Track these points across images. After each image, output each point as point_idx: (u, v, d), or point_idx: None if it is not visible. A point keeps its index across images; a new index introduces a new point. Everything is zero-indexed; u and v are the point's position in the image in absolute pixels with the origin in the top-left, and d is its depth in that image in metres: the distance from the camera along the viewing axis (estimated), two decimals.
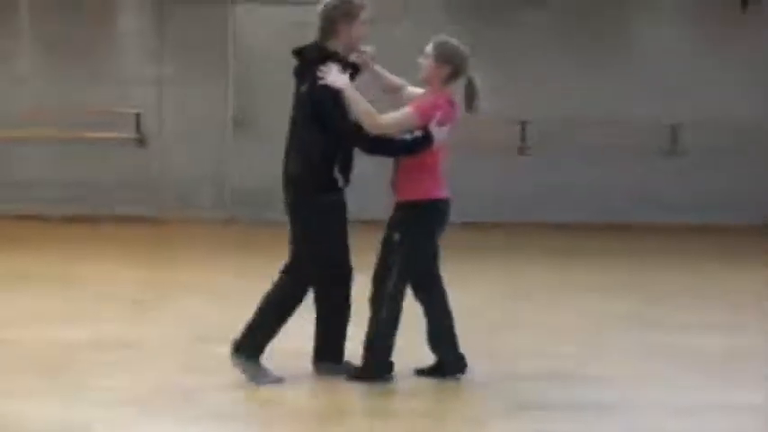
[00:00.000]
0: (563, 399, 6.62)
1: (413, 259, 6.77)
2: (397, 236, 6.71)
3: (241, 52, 15.49)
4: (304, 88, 6.66)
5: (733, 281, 11.58)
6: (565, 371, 7.28)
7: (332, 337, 6.96)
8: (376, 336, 6.73)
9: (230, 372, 6.76)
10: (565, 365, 7.43)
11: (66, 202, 15.27)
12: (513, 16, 15.95)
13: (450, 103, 6.76)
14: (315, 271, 6.76)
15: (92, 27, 15.48)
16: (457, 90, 6.90)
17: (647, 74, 16.17)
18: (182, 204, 15.56)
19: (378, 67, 7.12)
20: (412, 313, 6.99)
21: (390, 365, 6.83)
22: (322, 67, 6.52)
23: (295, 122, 6.75)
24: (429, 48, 6.78)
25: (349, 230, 6.91)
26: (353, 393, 6.66)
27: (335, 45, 6.70)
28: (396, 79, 7.20)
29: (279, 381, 6.71)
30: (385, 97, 7.15)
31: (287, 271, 6.77)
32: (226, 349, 6.77)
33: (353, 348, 6.90)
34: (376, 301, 6.74)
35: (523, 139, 16.05)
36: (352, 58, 6.79)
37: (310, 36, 6.82)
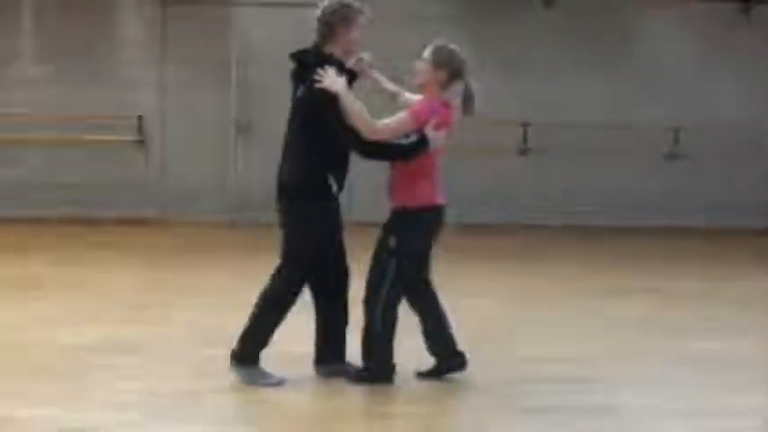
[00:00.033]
0: (566, 402, 6.61)
1: (408, 265, 6.76)
2: (392, 241, 6.71)
3: (244, 55, 15.50)
4: (300, 92, 6.66)
5: (736, 284, 11.58)
6: (569, 375, 7.28)
7: (332, 339, 6.96)
8: (374, 339, 6.72)
9: (232, 374, 6.76)
10: (568, 369, 7.43)
11: (68, 205, 15.28)
12: (516, 19, 15.96)
13: (447, 107, 6.75)
14: (307, 274, 6.75)
15: (94, 30, 15.50)
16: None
17: (649, 77, 16.19)
18: (183, 207, 15.57)
19: (375, 74, 7.13)
20: (411, 316, 7.00)
21: (392, 368, 6.83)
22: (319, 71, 6.52)
23: (290, 128, 6.74)
24: (426, 52, 6.78)
25: (345, 232, 6.91)
26: (355, 396, 6.66)
27: (333, 49, 6.69)
28: (393, 86, 7.22)
29: (280, 383, 6.71)
30: (379, 103, 7.13)
31: (278, 273, 6.77)
32: (228, 352, 6.76)
33: (353, 350, 6.91)
34: (371, 304, 6.73)
35: (525, 141, 16.06)
36: (350, 64, 6.79)
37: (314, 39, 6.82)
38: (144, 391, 6.55)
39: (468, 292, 10.39)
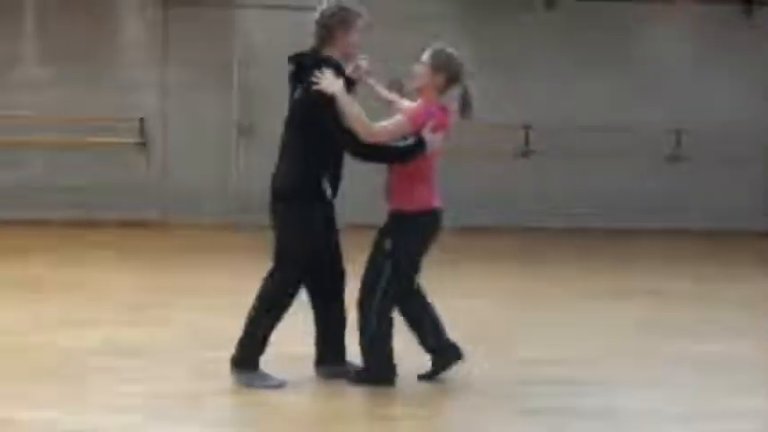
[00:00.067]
0: (565, 405, 6.61)
1: (403, 268, 6.76)
2: (388, 243, 6.71)
3: (246, 58, 15.52)
4: (297, 94, 6.67)
5: (736, 286, 11.60)
6: (567, 376, 7.28)
7: (331, 340, 6.97)
8: (372, 341, 6.72)
9: (233, 377, 6.78)
10: (567, 371, 7.43)
11: (70, 207, 15.29)
12: (517, 21, 15.97)
13: (444, 111, 6.75)
14: (303, 276, 6.76)
15: (96, 32, 15.52)
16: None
17: (650, 79, 16.21)
18: (185, 209, 15.58)
19: (372, 81, 7.14)
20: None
21: (393, 369, 6.83)
22: (317, 72, 6.53)
23: (287, 129, 6.74)
24: (425, 56, 6.79)
25: (341, 234, 6.92)
26: (355, 397, 6.66)
27: (332, 52, 6.69)
28: (390, 94, 7.22)
29: (280, 385, 6.71)
30: (376, 105, 7.14)
31: (270, 275, 6.77)
32: (228, 354, 6.77)
33: (352, 352, 6.92)
34: (366, 306, 6.73)
35: (527, 143, 16.07)
36: (348, 71, 6.79)
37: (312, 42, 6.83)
38: (144, 393, 6.54)
39: (468, 294, 10.41)
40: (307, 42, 6.80)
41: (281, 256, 6.72)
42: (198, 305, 9.52)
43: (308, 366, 7.02)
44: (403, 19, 15.20)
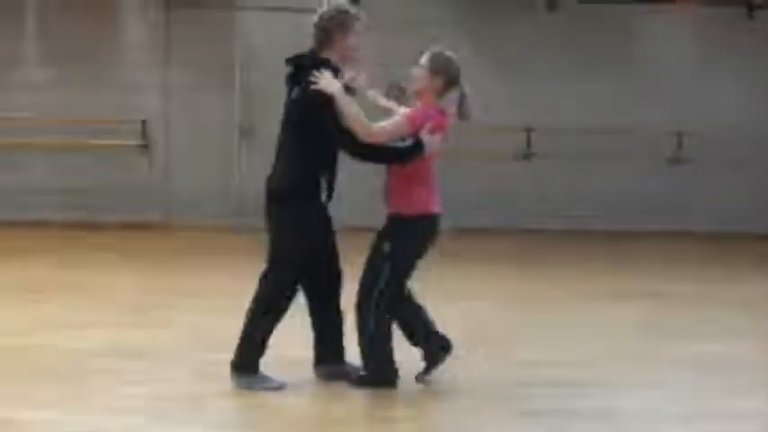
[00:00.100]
0: (565, 406, 6.62)
1: (401, 270, 6.77)
2: (387, 246, 6.71)
3: (247, 60, 15.54)
4: (295, 94, 6.68)
5: (736, 287, 11.61)
6: (568, 378, 7.29)
7: (329, 340, 6.97)
8: (371, 342, 6.72)
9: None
10: (567, 373, 7.44)
11: (72, 209, 15.31)
12: (519, 23, 15.98)
13: (442, 113, 6.77)
14: (300, 277, 6.76)
15: (98, 34, 15.53)
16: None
17: (652, 81, 16.22)
18: (187, 211, 15.60)
19: (370, 93, 7.16)
20: None
21: (394, 370, 6.84)
22: (315, 73, 6.55)
23: (284, 130, 6.74)
24: (423, 59, 6.80)
25: (339, 236, 6.92)
26: (356, 400, 6.66)
27: (330, 55, 6.70)
28: (387, 102, 7.24)
29: (281, 387, 6.72)
30: (373, 106, 7.16)
31: (264, 277, 6.77)
32: (230, 356, 6.78)
33: (352, 354, 6.93)
34: (364, 308, 6.73)
35: (529, 146, 16.08)
36: (346, 80, 6.80)
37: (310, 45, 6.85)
38: (146, 394, 6.55)
39: (468, 296, 10.43)
40: (308, 45, 6.82)
41: (276, 258, 6.70)
42: (200, 307, 9.53)
43: (307, 369, 7.02)
44: (403, 23, 15.21)
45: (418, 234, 6.77)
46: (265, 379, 6.73)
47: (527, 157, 16.11)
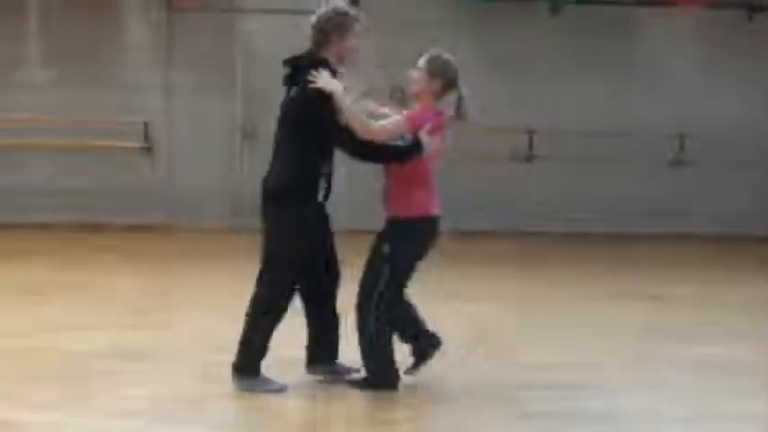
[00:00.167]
0: (565, 408, 6.62)
1: (401, 271, 6.77)
2: (387, 248, 6.71)
3: (249, 61, 15.55)
4: (293, 93, 6.68)
5: (737, 289, 11.60)
6: (568, 380, 7.29)
7: (324, 341, 6.98)
8: (372, 344, 6.73)
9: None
10: (567, 375, 7.44)
11: (74, 211, 15.31)
12: (522, 26, 15.98)
13: (440, 115, 6.77)
14: (298, 277, 6.76)
15: (100, 35, 15.53)
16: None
17: (654, 84, 16.22)
18: (189, 213, 15.60)
19: (368, 102, 7.17)
20: None
21: (395, 372, 6.84)
22: (313, 71, 6.55)
23: (281, 130, 6.72)
24: (421, 61, 6.81)
25: (338, 238, 6.93)
26: (357, 402, 6.67)
27: (327, 56, 6.70)
28: (385, 110, 7.25)
29: (282, 389, 6.72)
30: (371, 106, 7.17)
31: (260, 278, 6.76)
32: (231, 358, 6.78)
33: (350, 357, 6.94)
34: (364, 310, 6.73)
35: (531, 148, 16.08)
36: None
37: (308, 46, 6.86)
38: (147, 396, 6.56)
39: (468, 298, 10.43)
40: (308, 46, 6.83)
41: (273, 258, 6.69)
42: (202, 308, 9.54)
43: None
44: (403, 24, 15.21)
45: (418, 236, 6.77)
46: (267, 381, 6.73)
47: (528, 159, 16.10)
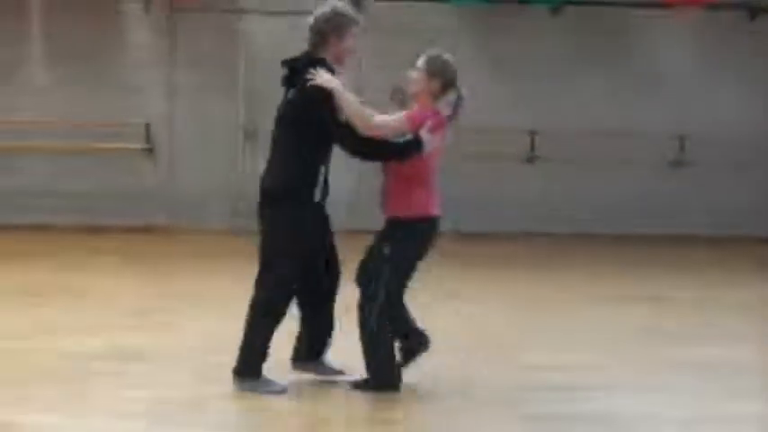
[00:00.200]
0: (566, 410, 6.62)
1: (402, 271, 6.78)
2: (387, 249, 6.71)
3: (251, 63, 15.55)
4: (291, 94, 6.68)
5: (736, 291, 11.60)
6: (568, 382, 7.29)
7: (315, 340, 6.98)
8: (374, 345, 6.73)
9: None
10: (568, 376, 7.44)
11: (74, 213, 15.31)
12: (524, 28, 15.98)
13: (439, 114, 6.77)
14: (297, 278, 6.74)
15: (101, 37, 15.53)
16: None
17: (655, 85, 16.22)
18: (190, 215, 15.60)
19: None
20: None
21: (397, 374, 6.84)
22: (311, 70, 6.55)
23: (279, 129, 6.72)
24: (420, 61, 6.81)
25: (340, 238, 6.92)
26: (357, 402, 6.67)
27: (325, 56, 6.71)
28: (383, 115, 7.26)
29: (283, 391, 6.72)
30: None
31: (259, 281, 6.77)
32: (232, 359, 6.78)
33: (351, 356, 6.95)
34: (366, 312, 6.72)
35: (533, 149, 16.08)
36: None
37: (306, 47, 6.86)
38: (147, 398, 6.56)
39: (470, 299, 10.44)
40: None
41: (272, 259, 6.68)
42: (202, 310, 9.54)
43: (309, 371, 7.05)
44: (404, 27, 15.20)
45: (418, 236, 6.77)
46: (268, 382, 6.73)
47: (530, 160, 16.10)
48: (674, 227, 16.09)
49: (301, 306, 6.94)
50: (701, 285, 11.93)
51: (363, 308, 6.74)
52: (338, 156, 6.77)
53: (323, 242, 6.83)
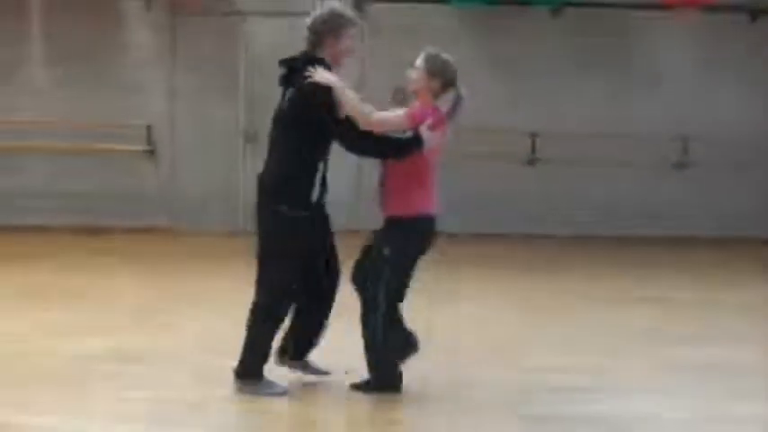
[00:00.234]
0: (567, 411, 6.62)
1: (401, 273, 6.77)
2: (386, 250, 6.69)
3: (252, 65, 15.54)
4: (290, 93, 6.67)
5: (737, 292, 11.59)
6: (569, 383, 7.28)
7: (306, 340, 6.97)
8: (375, 348, 6.72)
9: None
10: (569, 378, 7.43)
11: (75, 214, 15.30)
12: (524, 30, 15.97)
13: (440, 112, 6.76)
14: (297, 278, 6.73)
15: (102, 38, 15.51)
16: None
17: (656, 87, 16.20)
18: (191, 216, 15.59)
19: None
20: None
21: (398, 375, 6.83)
22: (309, 68, 6.55)
23: (277, 129, 6.72)
24: (419, 61, 6.80)
25: (340, 238, 6.91)
26: (359, 403, 6.67)
27: (323, 56, 6.70)
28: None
29: (285, 393, 6.71)
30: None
31: (259, 283, 6.73)
32: (232, 361, 6.77)
33: (351, 357, 6.94)
34: (367, 312, 6.71)
35: (534, 151, 16.07)
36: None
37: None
38: (147, 399, 6.56)
39: (470, 300, 10.42)
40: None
41: (269, 260, 6.67)
42: (203, 312, 9.53)
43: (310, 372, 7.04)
44: (405, 29, 15.19)
45: (417, 235, 6.76)
46: (270, 384, 6.72)
47: (531, 162, 16.08)
48: (674, 228, 16.07)
49: (298, 305, 6.92)
50: (702, 287, 11.92)
51: (365, 308, 6.73)
52: (338, 155, 6.76)
53: (323, 242, 6.82)
